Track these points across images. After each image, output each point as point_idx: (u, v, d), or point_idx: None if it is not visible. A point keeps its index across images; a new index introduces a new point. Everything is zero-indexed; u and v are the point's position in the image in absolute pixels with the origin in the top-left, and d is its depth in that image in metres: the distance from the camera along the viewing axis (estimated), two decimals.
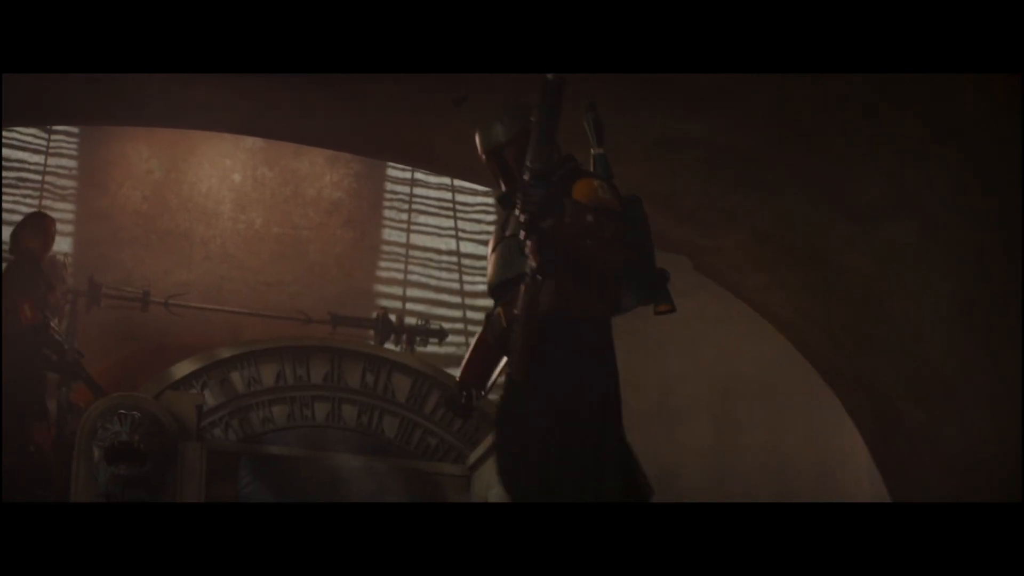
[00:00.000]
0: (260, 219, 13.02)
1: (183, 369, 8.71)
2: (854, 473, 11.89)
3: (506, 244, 5.74)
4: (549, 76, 5.16)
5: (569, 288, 5.40)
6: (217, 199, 13.19)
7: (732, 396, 12.96)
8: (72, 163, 12.81)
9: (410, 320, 12.25)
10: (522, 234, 5.30)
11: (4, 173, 11.92)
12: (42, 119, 11.28)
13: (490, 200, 14.05)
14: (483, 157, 5.96)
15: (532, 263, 5.28)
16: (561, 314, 5.40)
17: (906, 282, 8.53)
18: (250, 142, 12.94)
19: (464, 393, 5.93)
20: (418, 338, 11.85)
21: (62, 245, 12.31)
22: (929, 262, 8.24)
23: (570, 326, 5.40)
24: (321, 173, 13.36)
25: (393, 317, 11.92)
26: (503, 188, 5.95)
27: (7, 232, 10.05)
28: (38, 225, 9.81)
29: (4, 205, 11.79)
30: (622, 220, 5.46)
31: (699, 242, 9.72)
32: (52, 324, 9.31)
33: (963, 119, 7.39)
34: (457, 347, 12.69)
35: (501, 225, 5.97)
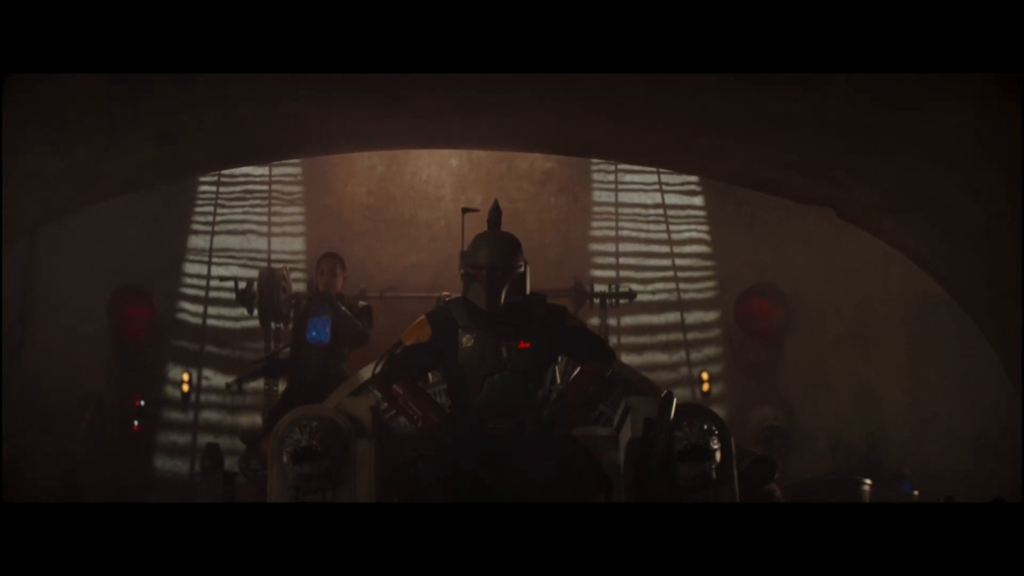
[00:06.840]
0: (479, 197, 13.83)
1: (370, 371, 9.86)
2: None
3: None
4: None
5: None
6: (438, 184, 14.52)
7: (923, 314, 13.55)
8: (296, 170, 14.33)
9: (600, 287, 13.25)
10: None
11: (231, 188, 13.57)
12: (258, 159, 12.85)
13: None
14: None
15: None
16: None
17: (1004, 218, 8.98)
18: None
19: None
20: (610, 301, 12.80)
21: (295, 245, 13.89)
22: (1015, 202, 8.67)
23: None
24: None
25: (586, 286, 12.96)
26: None
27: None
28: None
29: (235, 216, 13.45)
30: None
31: (833, 194, 10.46)
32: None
33: None
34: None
35: None
